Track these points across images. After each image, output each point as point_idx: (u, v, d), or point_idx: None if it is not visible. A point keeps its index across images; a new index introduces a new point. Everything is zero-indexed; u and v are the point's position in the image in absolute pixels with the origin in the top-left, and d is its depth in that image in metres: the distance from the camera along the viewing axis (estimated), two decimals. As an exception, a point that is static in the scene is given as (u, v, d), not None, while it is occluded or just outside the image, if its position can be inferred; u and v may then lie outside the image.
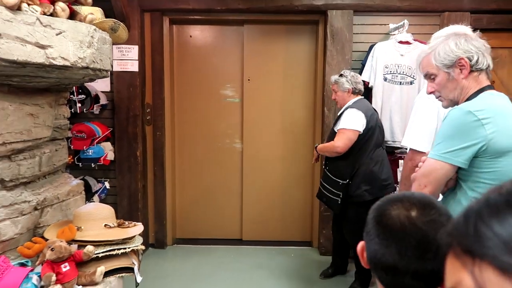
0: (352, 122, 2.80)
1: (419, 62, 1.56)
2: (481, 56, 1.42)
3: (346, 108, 2.93)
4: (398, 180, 2.60)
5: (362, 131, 2.80)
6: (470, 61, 1.42)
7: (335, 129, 2.93)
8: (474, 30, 1.50)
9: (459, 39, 1.43)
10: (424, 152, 1.99)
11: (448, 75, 1.47)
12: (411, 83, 3.28)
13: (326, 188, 2.97)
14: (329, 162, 3.00)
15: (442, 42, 1.46)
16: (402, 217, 0.79)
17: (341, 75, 3.01)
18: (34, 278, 1.76)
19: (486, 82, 1.45)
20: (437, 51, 1.47)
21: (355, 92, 2.99)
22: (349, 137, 2.79)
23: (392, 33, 3.42)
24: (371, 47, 3.40)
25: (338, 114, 3.03)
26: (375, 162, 2.86)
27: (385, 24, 3.53)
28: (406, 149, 2.11)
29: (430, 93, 1.55)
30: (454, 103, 1.51)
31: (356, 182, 2.85)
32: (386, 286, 0.82)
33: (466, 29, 1.48)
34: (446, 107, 1.56)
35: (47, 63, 1.66)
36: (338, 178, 2.89)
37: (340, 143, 2.78)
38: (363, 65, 3.41)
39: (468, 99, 1.43)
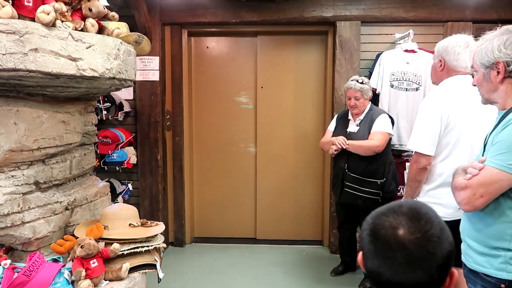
0: (388, 125, 2.91)
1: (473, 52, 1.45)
2: None
3: (371, 113, 2.95)
4: (405, 182, 2.59)
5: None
6: (508, 66, 1.31)
7: (370, 131, 2.90)
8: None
9: (508, 40, 1.31)
10: (429, 155, 1.98)
11: (484, 75, 1.39)
12: (417, 89, 3.27)
13: (363, 190, 2.87)
14: (357, 165, 2.89)
15: (491, 39, 1.35)
16: (389, 236, 0.78)
17: (362, 83, 2.96)
18: (66, 273, 1.80)
19: None
20: (480, 48, 1.37)
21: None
22: (386, 139, 2.87)
23: (398, 42, 3.42)
24: (378, 56, 3.40)
25: (361, 119, 2.97)
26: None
27: (391, 34, 3.52)
28: (412, 152, 2.10)
29: (474, 85, 1.48)
30: (490, 103, 1.44)
31: (388, 179, 2.89)
32: None
33: None
34: (483, 103, 1.48)
35: (78, 74, 1.72)
36: (375, 178, 2.86)
37: (381, 144, 2.82)
38: (371, 73, 3.41)
39: None
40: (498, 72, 1.34)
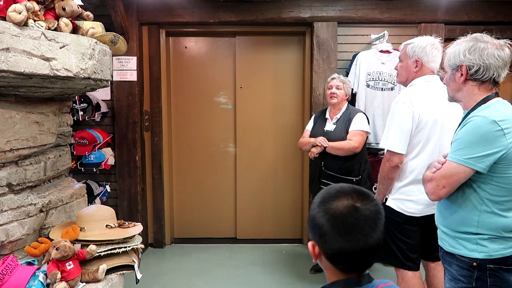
0: (365, 124, 2.96)
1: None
2: (484, 68, 1.43)
3: (347, 112, 3.00)
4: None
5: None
6: (470, 70, 1.45)
7: (348, 130, 2.94)
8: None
9: (473, 47, 1.45)
10: (401, 154, 2.04)
11: (450, 76, 1.54)
12: (392, 89, 3.35)
13: None
14: (333, 162, 2.94)
15: (459, 44, 1.49)
16: (351, 212, 0.89)
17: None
18: (41, 276, 1.78)
19: (486, 93, 1.47)
20: (450, 51, 1.52)
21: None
22: (364, 138, 2.94)
23: (374, 43, 3.49)
24: (354, 56, 3.47)
25: (338, 118, 3.01)
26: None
27: (367, 35, 3.60)
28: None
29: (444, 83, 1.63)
30: (455, 101, 1.58)
31: (364, 177, 2.95)
32: (342, 270, 0.93)
33: (488, 38, 1.47)
34: (449, 100, 1.63)
35: (52, 74, 1.70)
36: (351, 176, 2.92)
37: (360, 145, 2.88)
38: (347, 73, 3.47)
39: (475, 107, 1.46)
40: (462, 74, 1.49)
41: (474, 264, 1.45)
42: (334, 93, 3.01)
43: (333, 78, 3.06)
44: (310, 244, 0.96)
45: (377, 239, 0.89)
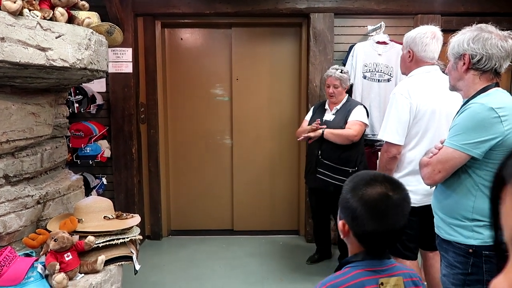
0: (364, 116, 2.98)
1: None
2: (486, 58, 1.45)
3: (348, 104, 3.02)
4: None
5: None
6: (472, 59, 1.47)
7: (347, 120, 2.95)
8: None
9: (477, 36, 1.46)
10: (399, 145, 2.05)
11: (453, 65, 1.55)
12: (388, 80, 3.36)
13: (333, 177, 2.93)
14: (330, 152, 2.94)
15: (464, 34, 1.50)
16: (383, 199, 1.00)
17: (342, 72, 3.01)
18: (39, 267, 1.78)
19: (487, 83, 1.48)
20: (454, 40, 1.53)
21: None
22: (363, 129, 2.96)
23: (370, 34, 3.49)
24: (351, 48, 3.46)
25: (338, 109, 3.02)
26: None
27: (364, 26, 3.59)
28: (384, 142, 2.16)
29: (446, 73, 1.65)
30: (456, 90, 1.60)
31: (360, 169, 2.95)
32: (368, 248, 1.04)
33: (493, 29, 1.48)
34: (450, 90, 1.65)
35: (48, 65, 1.68)
36: (346, 166, 2.92)
37: (358, 133, 2.89)
38: (344, 64, 3.47)
39: (475, 95, 1.48)
40: (464, 63, 1.50)
41: (470, 250, 1.47)
42: (332, 94, 3.02)
43: (329, 76, 3.01)
44: (341, 222, 1.07)
45: (402, 224, 1.01)
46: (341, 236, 1.08)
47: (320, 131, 2.92)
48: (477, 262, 1.46)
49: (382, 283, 1.01)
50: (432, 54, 2.09)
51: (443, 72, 1.94)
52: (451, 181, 1.52)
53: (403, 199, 1.02)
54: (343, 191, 1.08)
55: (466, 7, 3.51)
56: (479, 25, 1.51)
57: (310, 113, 3.22)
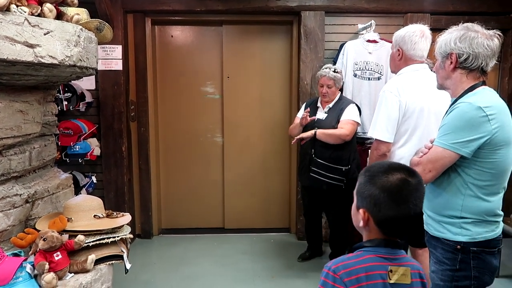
0: (357, 115, 2.99)
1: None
2: (473, 57, 1.46)
3: (340, 102, 3.03)
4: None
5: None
6: (459, 58, 1.48)
7: (339, 120, 2.96)
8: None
9: (463, 35, 1.47)
10: (388, 142, 2.07)
11: (440, 63, 1.57)
12: (379, 78, 3.38)
13: (327, 176, 2.94)
14: (323, 151, 2.94)
15: (451, 33, 1.52)
16: (403, 185, 1.06)
17: (335, 71, 3.01)
18: (28, 267, 1.76)
19: (474, 82, 1.50)
20: (441, 39, 1.54)
21: None
22: (355, 128, 2.97)
23: (361, 32, 3.51)
24: (341, 46, 3.48)
25: (330, 107, 3.03)
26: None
27: (354, 24, 3.61)
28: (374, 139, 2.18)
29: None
30: (444, 88, 1.62)
31: (353, 167, 2.97)
32: (387, 234, 1.09)
33: (479, 28, 1.49)
34: (438, 88, 1.66)
35: (36, 62, 1.66)
36: (339, 165, 2.93)
37: (350, 133, 2.90)
38: (335, 62, 3.48)
39: (462, 94, 1.49)
40: (451, 62, 1.51)
41: (458, 247, 1.49)
42: (325, 94, 3.03)
43: (323, 76, 3.01)
44: (361, 211, 1.10)
45: (420, 208, 1.08)
46: (360, 225, 1.12)
47: (313, 131, 2.93)
48: (465, 258, 1.49)
49: (391, 270, 1.07)
50: (421, 53, 2.11)
51: (432, 70, 1.97)
52: (441, 180, 1.53)
53: (420, 183, 1.09)
54: (359, 182, 1.13)
55: (455, 6, 3.55)
56: (465, 24, 1.53)
57: (302, 110, 3.23)
